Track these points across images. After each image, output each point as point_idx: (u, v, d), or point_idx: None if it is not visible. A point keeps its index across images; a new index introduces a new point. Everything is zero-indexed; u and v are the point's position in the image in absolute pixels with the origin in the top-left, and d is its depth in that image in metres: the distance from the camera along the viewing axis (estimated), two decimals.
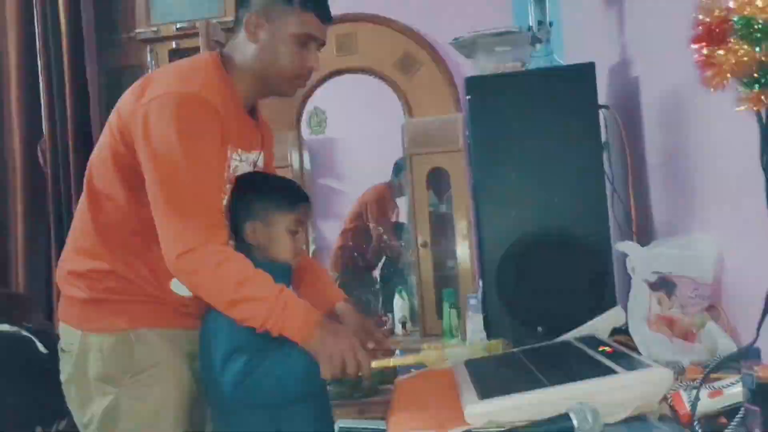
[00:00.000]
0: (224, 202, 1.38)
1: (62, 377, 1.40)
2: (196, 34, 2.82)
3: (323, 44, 1.42)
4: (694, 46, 0.87)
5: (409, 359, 1.44)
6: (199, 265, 1.24)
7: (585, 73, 1.63)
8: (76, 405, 1.38)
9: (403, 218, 3.73)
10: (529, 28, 1.80)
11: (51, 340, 1.86)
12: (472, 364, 1.40)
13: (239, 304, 1.24)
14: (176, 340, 1.38)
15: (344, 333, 1.29)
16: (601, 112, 1.67)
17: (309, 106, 3.64)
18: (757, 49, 0.78)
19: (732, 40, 0.81)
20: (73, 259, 1.40)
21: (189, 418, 1.38)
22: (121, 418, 1.33)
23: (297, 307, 1.26)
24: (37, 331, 2.13)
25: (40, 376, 1.97)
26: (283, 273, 1.38)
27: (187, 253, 1.23)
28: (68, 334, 1.38)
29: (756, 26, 0.77)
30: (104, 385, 1.33)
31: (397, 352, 2.15)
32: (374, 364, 1.27)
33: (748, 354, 1.01)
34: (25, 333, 2.09)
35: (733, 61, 0.80)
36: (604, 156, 1.71)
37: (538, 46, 1.78)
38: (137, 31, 3.08)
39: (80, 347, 1.35)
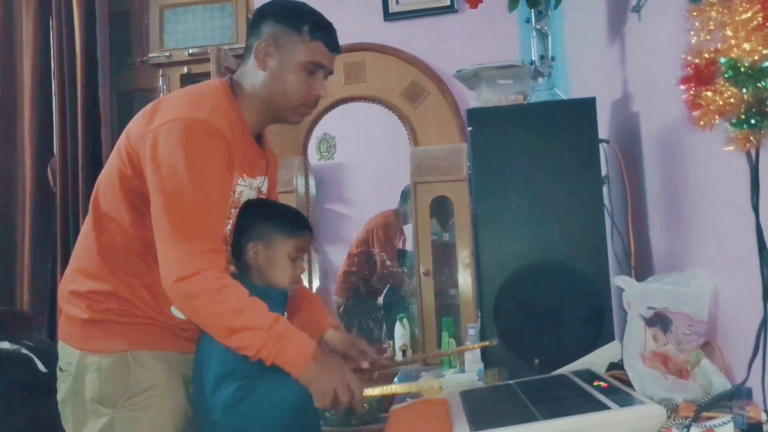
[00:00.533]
0: (228, 227, 1.41)
1: (59, 396, 1.40)
2: (207, 60, 2.88)
3: (331, 73, 1.45)
4: (682, 87, 0.89)
5: (404, 387, 1.44)
6: (198, 290, 1.25)
7: (586, 107, 1.64)
8: (71, 425, 1.38)
9: (409, 246, 3.74)
10: (532, 62, 1.82)
11: (51, 358, 1.86)
12: (466, 395, 1.40)
13: (235, 333, 1.24)
14: (173, 363, 1.38)
15: (337, 364, 1.30)
16: (602, 146, 1.68)
17: (318, 132, 3.68)
18: (744, 90, 0.80)
19: (720, 82, 0.83)
20: (75, 279, 1.41)
21: None
22: None
23: (291, 337, 1.26)
24: (38, 350, 2.14)
25: (38, 394, 1.98)
26: (279, 299, 1.40)
27: (185, 278, 1.24)
28: (67, 354, 1.39)
29: (742, 68, 0.79)
30: (100, 406, 1.34)
31: (396, 379, 2.16)
32: (367, 392, 1.27)
33: (739, 393, 1.01)
34: (25, 351, 2.11)
35: (721, 102, 0.82)
36: (604, 190, 1.72)
37: (540, 79, 1.80)
38: (150, 55, 3.15)
39: (78, 367, 1.36)
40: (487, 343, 1.52)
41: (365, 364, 1.45)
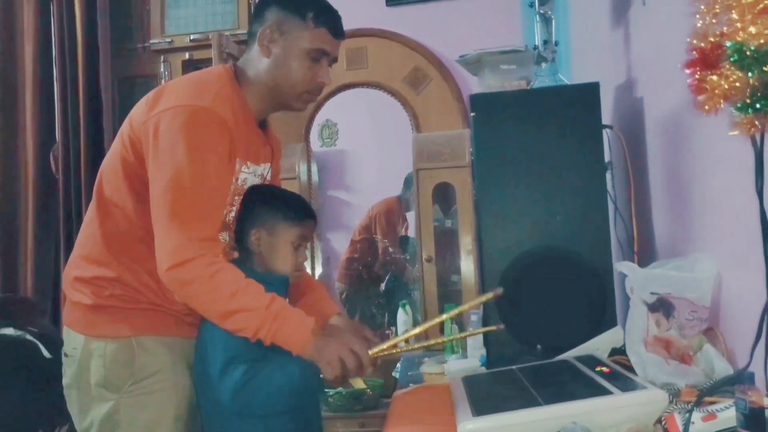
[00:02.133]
0: (231, 214, 1.41)
1: (64, 381, 1.41)
2: (209, 46, 2.86)
3: (335, 60, 1.44)
4: (687, 71, 0.88)
5: (406, 335, 1.44)
6: (191, 277, 1.25)
7: (589, 92, 1.63)
8: (77, 410, 1.39)
9: (412, 232, 3.74)
10: (535, 47, 1.81)
11: (55, 344, 1.88)
12: (469, 380, 1.41)
13: (231, 315, 1.25)
14: (177, 348, 1.39)
15: (337, 333, 1.30)
16: (605, 132, 1.68)
17: (320, 119, 3.67)
18: (750, 74, 0.79)
19: (725, 66, 0.82)
20: (79, 266, 1.41)
21: (188, 426, 1.39)
22: (120, 425, 1.34)
23: (288, 316, 1.26)
24: (42, 336, 2.15)
25: (43, 380, 2.00)
26: (280, 285, 1.39)
27: (178, 266, 1.24)
28: (72, 339, 1.40)
29: (748, 52, 0.78)
30: (105, 391, 1.35)
31: (399, 365, 2.17)
32: (372, 351, 1.27)
33: (742, 378, 1.01)
34: (29, 337, 2.12)
35: (726, 86, 0.81)
36: (607, 176, 1.71)
37: (543, 65, 1.79)
38: (151, 41, 3.14)
39: (83, 352, 1.37)
40: (493, 328, 1.51)
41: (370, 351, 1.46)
